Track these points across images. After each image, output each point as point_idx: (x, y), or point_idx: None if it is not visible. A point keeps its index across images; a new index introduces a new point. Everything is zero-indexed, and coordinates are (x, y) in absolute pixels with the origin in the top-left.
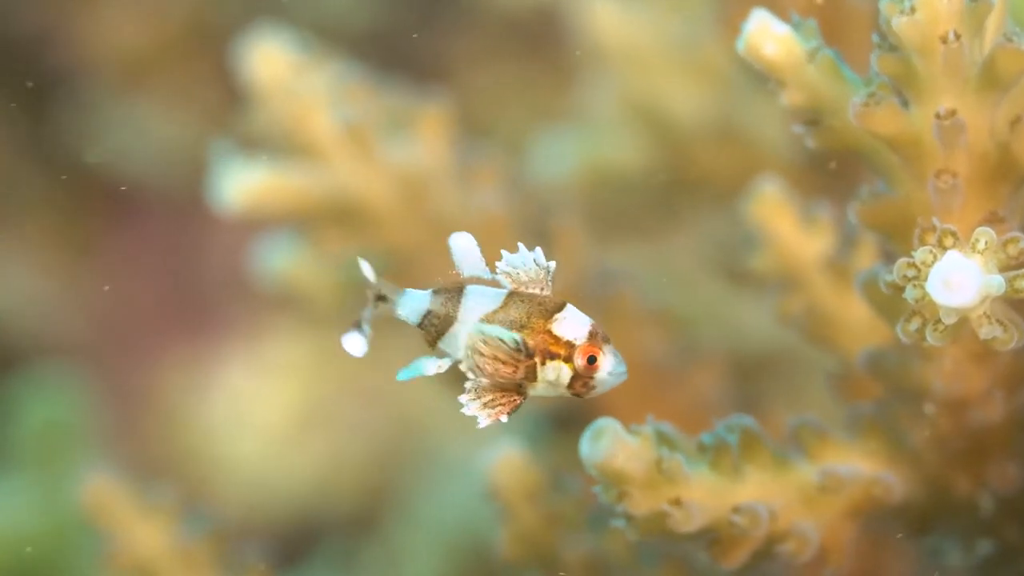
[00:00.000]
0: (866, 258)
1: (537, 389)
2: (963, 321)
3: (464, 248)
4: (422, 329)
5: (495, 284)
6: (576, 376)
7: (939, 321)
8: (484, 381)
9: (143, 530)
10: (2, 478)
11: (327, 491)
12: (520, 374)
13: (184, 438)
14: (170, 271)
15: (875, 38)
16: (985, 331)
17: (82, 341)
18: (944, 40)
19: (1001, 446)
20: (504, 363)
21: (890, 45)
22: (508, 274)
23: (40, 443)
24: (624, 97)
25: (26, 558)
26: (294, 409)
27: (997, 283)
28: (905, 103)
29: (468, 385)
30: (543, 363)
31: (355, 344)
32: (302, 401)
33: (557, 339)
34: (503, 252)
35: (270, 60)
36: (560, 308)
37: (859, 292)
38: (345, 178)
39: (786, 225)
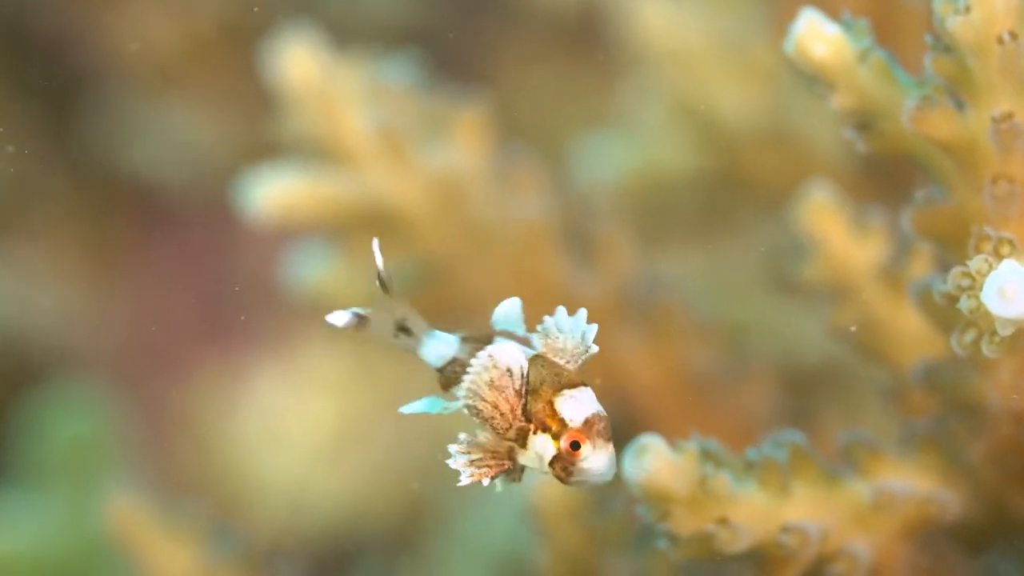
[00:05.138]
0: (920, 267)
1: (526, 459)
2: (1020, 332)
3: (506, 306)
4: (441, 373)
5: (525, 342)
6: (558, 457)
7: (995, 332)
8: (479, 438)
9: (171, 552)
10: (28, 497)
11: (364, 509)
12: (511, 433)
13: (215, 455)
14: (200, 281)
15: (929, 39)
16: None
17: (110, 354)
18: (1000, 41)
19: None
20: (501, 412)
21: (944, 46)
22: (545, 335)
23: (67, 460)
24: (672, 99)
25: None
26: (329, 424)
27: None
28: (960, 106)
29: (462, 437)
30: (535, 432)
31: (340, 318)
32: (338, 416)
33: (554, 413)
34: (558, 312)
35: (301, 62)
36: (574, 386)
37: (913, 303)
38: (379, 184)
39: (837, 232)
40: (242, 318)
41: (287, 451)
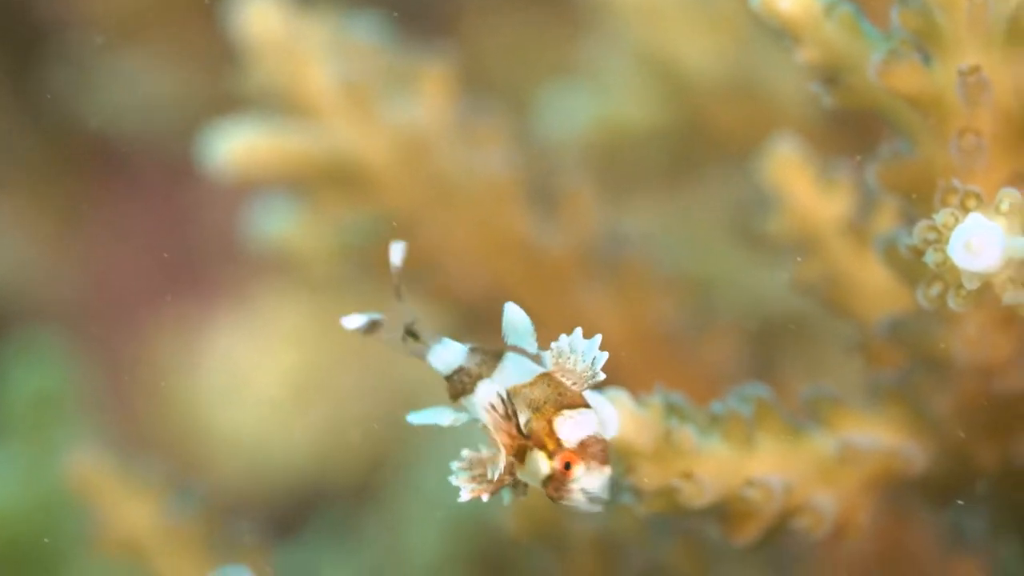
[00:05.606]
0: (886, 221)
1: (524, 475)
2: (986, 286)
3: (515, 318)
4: (448, 382)
5: (536, 359)
6: (551, 476)
7: (961, 286)
8: (480, 453)
9: (130, 507)
10: None
11: (325, 461)
12: (512, 449)
13: (176, 408)
14: (162, 234)
15: None
16: (1009, 296)
17: (70, 308)
18: None
19: None
20: (504, 429)
21: None
22: (558, 355)
23: (27, 413)
24: (636, 51)
25: (11, 535)
26: (291, 376)
27: (1022, 246)
28: (927, 60)
29: (464, 453)
30: (532, 449)
31: (354, 321)
32: (299, 368)
33: (552, 433)
34: (575, 333)
35: (264, 16)
36: (576, 407)
37: (879, 256)
38: (343, 138)
39: (803, 186)
40: (168, 298)
41: (248, 404)
